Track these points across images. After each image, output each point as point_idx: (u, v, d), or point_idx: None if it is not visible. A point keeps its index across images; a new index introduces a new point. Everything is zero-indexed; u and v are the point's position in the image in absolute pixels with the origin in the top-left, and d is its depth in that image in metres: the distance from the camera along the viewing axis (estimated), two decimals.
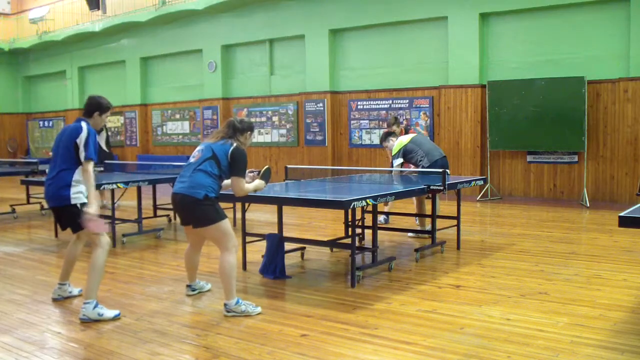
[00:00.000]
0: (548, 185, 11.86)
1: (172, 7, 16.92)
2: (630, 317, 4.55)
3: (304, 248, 6.89)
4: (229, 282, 4.70)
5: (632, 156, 10.85)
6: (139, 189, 8.29)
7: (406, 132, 8.76)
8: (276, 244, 5.93)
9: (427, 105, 13.22)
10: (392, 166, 8.08)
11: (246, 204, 6.27)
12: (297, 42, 15.35)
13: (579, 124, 10.99)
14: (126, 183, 7.66)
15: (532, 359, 3.75)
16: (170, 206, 5.47)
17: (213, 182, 4.70)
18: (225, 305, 4.74)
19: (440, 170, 6.63)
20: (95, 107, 5.01)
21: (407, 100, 13.51)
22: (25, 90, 24.03)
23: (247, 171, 5.15)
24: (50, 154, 5.41)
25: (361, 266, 6.02)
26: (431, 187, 6.37)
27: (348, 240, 6.60)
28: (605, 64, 11.13)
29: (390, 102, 13.77)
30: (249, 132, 4.94)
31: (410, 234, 8.03)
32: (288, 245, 6.39)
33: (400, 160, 7.86)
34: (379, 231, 6.62)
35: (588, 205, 10.82)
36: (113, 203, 8.17)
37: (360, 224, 7.30)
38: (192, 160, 4.83)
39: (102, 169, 10.13)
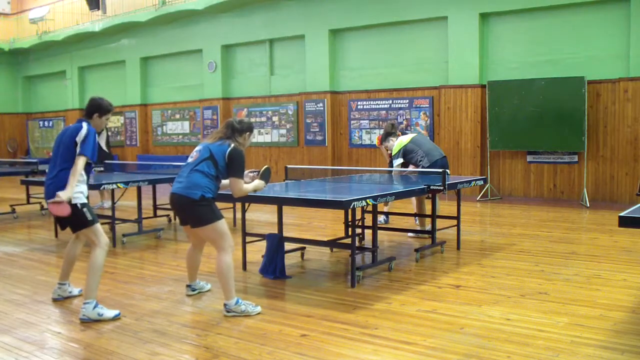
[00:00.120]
0: (548, 185, 11.86)
1: (172, 7, 16.92)
2: (630, 317, 4.55)
3: (304, 248, 6.89)
4: (227, 282, 4.70)
5: (632, 156, 10.85)
6: (139, 189, 8.29)
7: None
8: (276, 244, 5.93)
9: (427, 105, 13.22)
10: (391, 166, 8.08)
11: (246, 204, 6.27)
12: (297, 42, 15.35)
13: (579, 124, 10.99)
14: (126, 183, 7.66)
15: (532, 359, 3.75)
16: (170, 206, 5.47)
17: (210, 182, 4.70)
18: (225, 305, 4.74)
19: (440, 170, 6.63)
20: (94, 108, 5.00)
21: (407, 100, 13.51)
22: (25, 90, 24.03)
23: (247, 171, 5.15)
24: (51, 154, 5.42)
25: (361, 266, 6.02)
26: (431, 187, 6.37)
27: (348, 240, 6.60)
28: (605, 64, 11.13)
29: (390, 102, 13.77)
30: (248, 133, 4.93)
31: (410, 234, 8.03)
32: (288, 245, 6.39)
33: (401, 160, 7.86)
34: (379, 231, 6.62)
35: (588, 205, 10.82)
36: (113, 203, 8.17)
37: (360, 224, 7.30)
38: (190, 160, 4.83)
39: (102, 169, 10.14)
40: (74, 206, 4.75)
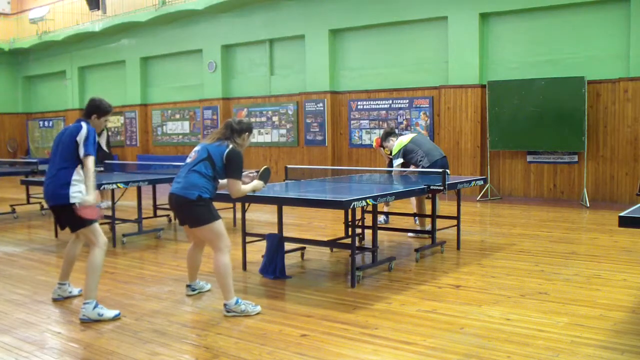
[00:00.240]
0: (548, 185, 11.86)
1: (172, 7, 16.92)
2: (630, 317, 4.55)
3: (304, 248, 6.89)
4: (226, 282, 4.71)
5: (632, 156, 10.85)
6: (139, 189, 8.29)
7: None
8: (276, 244, 5.93)
9: (427, 105, 13.22)
10: (391, 166, 8.08)
11: (246, 204, 6.27)
12: (297, 42, 15.35)
13: (579, 124, 10.99)
14: (126, 183, 7.66)
15: (532, 359, 3.75)
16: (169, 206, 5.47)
17: (207, 182, 4.71)
18: (224, 305, 4.74)
19: (440, 170, 6.63)
20: (93, 109, 5.00)
21: (407, 100, 13.51)
22: (25, 90, 24.03)
23: (246, 172, 5.15)
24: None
25: (361, 266, 6.02)
26: (431, 187, 6.37)
27: (348, 240, 6.60)
28: (605, 64, 11.13)
29: (390, 102, 13.77)
30: (247, 134, 4.92)
31: (410, 234, 8.03)
32: (288, 245, 6.39)
33: (401, 160, 7.86)
34: (379, 231, 6.62)
35: (588, 205, 10.83)
36: (113, 203, 8.17)
37: (360, 224, 7.30)
38: (188, 160, 4.84)
39: (102, 169, 10.13)
40: (72, 205, 4.75)
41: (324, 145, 14.72)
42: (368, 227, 7.03)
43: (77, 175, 4.80)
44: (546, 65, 11.67)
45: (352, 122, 14.42)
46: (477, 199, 11.95)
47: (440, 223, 7.41)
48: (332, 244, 6.75)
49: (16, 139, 23.74)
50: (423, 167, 7.64)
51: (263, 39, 15.89)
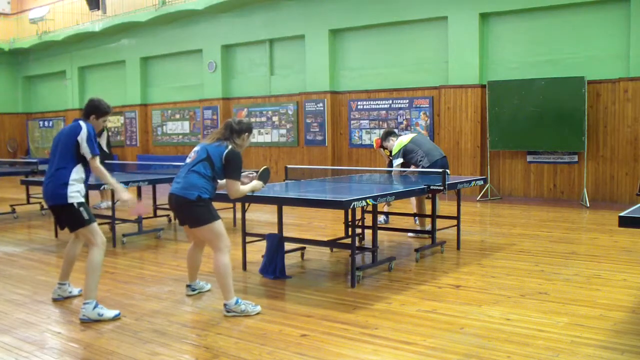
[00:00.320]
0: (548, 185, 11.86)
1: (172, 7, 16.92)
2: (630, 317, 4.55)
3: (304, 248, 6.89)
4: (226, 282, 4.71)
5: (632, 156, 10.85)
6: (139, 189, 8.29)
7: None
8: (276, 244, 5.93)
9: (427, 105, 13.22)
10: (391, 166, 8.08)
11: (246, 204, 6.27)
12: (297, 42, 15.35)
13: (579, 124, 10.99)
14: (126, 183, 7.65)
15: (532, 359, 3.75)
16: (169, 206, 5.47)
17: (206, 183, 4.71)
18: (224, 305, 4.74)
19: (440, 170, 6.63)
20: (92, 109, 5.00)
21: (407, 100, 13.51)
22: (25, 90, 24.03)
23: (246, 172, 5.15)
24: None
25: (361, 266, 6.02)
26: (431, 187, 6.37)
27: (348, 240, 6.60)
28: (605, 64, 11.13)
29: (390, 102, 13.77)
30: (246, 134, 4.92)
31: (410, 234, 8.03)
32: (288, 245, 6.39)
33: (401, 160, 7.86)
34: (379, 231, 6.62)
35: (588, 205, 10.83)
36: (113, 203, 8.17)
37: (360, 224, 7.30)
38: (188, 161, 4.84)
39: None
40: (71, 205, 4.75)
41: (324, 145, 14.72)
42: (368, 227, 7.03)
43: (76, 175, 4.80)
44: (546, 65, 11.67)
45: (352, 122, 14.42)
46: (477, 199, 11.95)
47: (440, 223, 7.41)
48: (332, 244, 6.75)
49: (16, 139, 23.75)
50: (423, 167, 7.64)
51: (263, 39, 15.89)
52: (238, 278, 5.73)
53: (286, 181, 7.33)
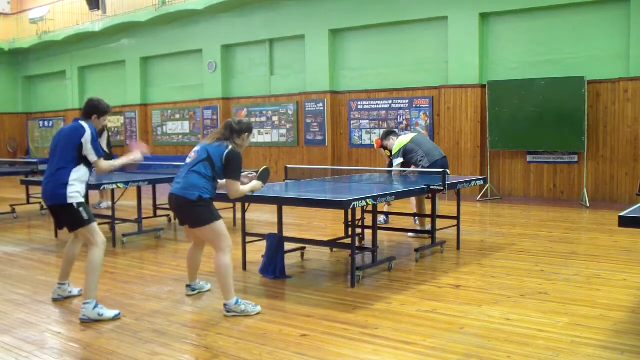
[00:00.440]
0: (548, 185, 11.86)
1: (172, 7, 16.92)
2: (630, 317, 4.55)
3: (304, 248, 6.89)
4: (226, 282, 4.71)
5: (632, 156, 10.85)
6: (139, 189, 8.29)
7: None
8: (276, 244, 5.93)
9: (427, 105, 13.22)
10: (392, 165, 8.08)
11: (246, 204, 6.27)
12: (297, 42, 15.35)
13: (579, 124, 10.99)
14: (126, 183, 7.66)
15: (532, 359, 3.75)
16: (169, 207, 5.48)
17: (207, 183, 4.70)
18: (225, 305, 4.74)
19: (440, 170, 6.63)
20: (93, 109, 5.01)
21: (407, 100, 13.51)
22: (25, 90, 24.03)
23: (246, 172, 5.15)
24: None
25: (361, 266, 6.02)
26: (431, 187, 6.37)
27: (348, 240, 6.60)
28: (605, 64, 11.13)
29: (390, 102, 13.77)
30: (246, 134, 4.92)
31: (410, 234, 8.03)
32: (288, 245, 6.39)
33: (401, 159, 7.86)
34: (379, 231, 6.62)
35: (588, 205, 10.83)
36: (113, 203, 8.17)
37: (360, 224, 7.30)
38: (188, 161, 4.84)
39: None
40: (70, 206, 4.75)
41: (324, 145, 14.72)
42: (368, 227, 7.03)
43: (76, 175, 4.80)
44: (546, 65, 11.67)
45: (352, 122, 14.42)
46: (477, 199, 11.95)
47: (440, 223, 7.41)
48: (332, 244, 6.75)
49: (16, 139, 23.74)
50: (423, 167, 7.64)
51: (263, 39, 15.89)
52: (238, 278, 5.73)
53: (286, 181, 7.33)
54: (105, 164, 4.90)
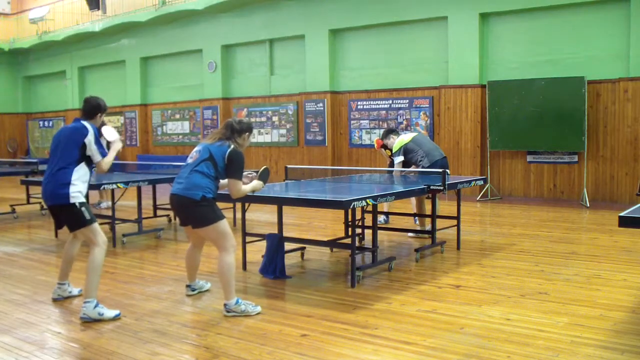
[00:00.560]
0: (548, 185, 11.86)
1: (172, 7, 16.92)
2: (630, 317, 4.55)
3: (304, 248, 6.89)
4: (228, 282, 4.70)
5: (632, 156, 10.85)
6: (139, 189, 8.29)
7: None
8: (276, 244, 5.93)
9: (427, 105, 13.22)
10: (393, 163, 8.08)
11: (246, 204, 6.27)
12: (297, 42, 15.35)
13: (579, 124, 10.99)
14: (126, 183, 7.66)
15: (532, 359, 3.75)
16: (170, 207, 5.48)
17: (210, 182, 4.70)
18: (225, 305, 4.74)
19: (440, 170, 6.63)
20: (97, 108, 5.07)
21: (407, 100, 13.51)
22: (25, 90, 24.03)
23: (246, 172, 5.15)
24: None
25: (361, 266, 6.02)
26: (431, 187, 6.37)
27: (348, 240, 6.60)
28: (605, 64, 11.13)
29: (390, 102, 13.78)
30: (247, 133, 4.93)
31: (410, 234, 8.03)
32: (288, 245, 6.39)
33: (401, 158, 7.85)
34: (379, 231, 6.62)
35: (588, 205, 10.83)
36: (113, 203, 8.17)
37: (360, 224, 7.30)
38: (189, 161, 4.83)
39: None
40: (72, 205, 4.75)
41: (324, 145, 14.72)
42: (368, 227, 7.03)
43: (77, 174, 4.80)
44: (546, 65, 11.67)
45: (352, 122, 14.42)
46: (477, 199, 11.95)
47: (440, 223, 7.41)
48: (332, 244, 6.75)
49: (16, 139, 23.75)
50: (423, 167, 7.64)
51: (263, 39, 15.89)
52: (238, 278, 5.72)
53: (286, 181, 7.33)
54: (106, 163, 4.91)
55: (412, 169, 7.85)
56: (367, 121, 14.18)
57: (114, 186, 7.60)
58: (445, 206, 9.41)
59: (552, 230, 8.49)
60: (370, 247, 6.27)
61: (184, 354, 4.00)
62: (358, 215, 7.23)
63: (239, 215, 8.71)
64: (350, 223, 6.36)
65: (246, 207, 6.36)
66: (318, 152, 14.84)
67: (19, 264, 6.83)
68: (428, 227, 7.76)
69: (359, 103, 14.27)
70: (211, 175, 4.71)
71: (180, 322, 4.62)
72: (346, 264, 6.43)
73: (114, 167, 10.81)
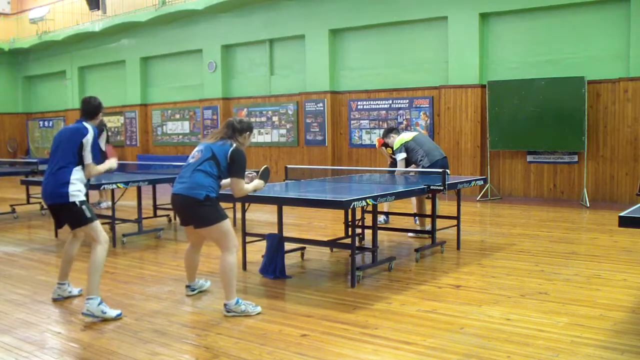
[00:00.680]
0: (548, 185, 11.86)
1: (172, 7, 16.92)
2: (630, 317, 4.55)
3: (304, 248, 6.89)
4: (229, 282, 4.70)
5: (632, 156, 10.85)
6: (139, 189, 8.29)
7: None
8: (276, 244, 5.93)
9: (427, 105, 13.22)
10: (394, 163, 8.08)
11: (246, 204, 6.27)
12: (297, 42, 15.35)
13: (579, 124, 10.99)
14: (126, 183, 7.66)
15: (532, 359, 3.75)
16: (170, 206, 5.47)
17: (213, 182, 4.70)
18: (225, 305, 4.74)
19: (440, 170, 6.63)
20: (99, 108, 5.11)
21: (407, 100, 13.51)
22: (25, 90, 24.03)
23: (246, 172, 5.15)
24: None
25: (361, 266, 6.02)
26: (431, 187, 6.37)
27: (348, 240, 6.60)
28: (605, 64, 11.13)
29: (390, 102, 13.77)
30: (248, 133, 4.94)
31: (410, 234, 8.03)
32: (288, 245, 6.39)
33: (404, 154, 7.85)
34: (379, 231, 6.62)
35: (588, 205, 10.83)
36: (113, 203, 8.17)
37: (360, 224, 7.30)
38: (191, 160, 4.82)
39: None
40: (72, 204, 4.75)
41: (324, 145, 14.72)
42: (368, 227, 7.03)
43: (77, 174, 4.81)
44: (546, 65, 11.67)
45: (352, 122, 14.42)
46: (477, 199, 11.95)
47: (440, 223, 7.41)
48: (332, 244, 6.75)
49: (16, 139, 23.74)
50: (423, 167, 7.65)
51: (263, 39, 15.89)
52: (238, 278, 5.71)
53: (286, 181, 7.33)
54: (95, 169, 4.91)
55: (412, 168, 7.86)
56: (367, 121, 14.18)
57: (114, 186, 7.60)
58: (445, 206, 9.41)
59: (552, 230, 8.49)
60: (370, 247, 6.27)
61: (184, 354, 4.00)
62: (358, 215, 7.23)
63: (239, 215, 8.71)
64: (350, 223, 6.36)
65: (246, 207, 6.36)
66: (318, 152, 14.84)
67: (19, 264, 6.83)
68: (428, 227, 7.76)
69: (359, 103, 14.27)
70: (214, 175, 4.70)
71: (180, 322, 4.62)
72: (346, 264, 6.43)
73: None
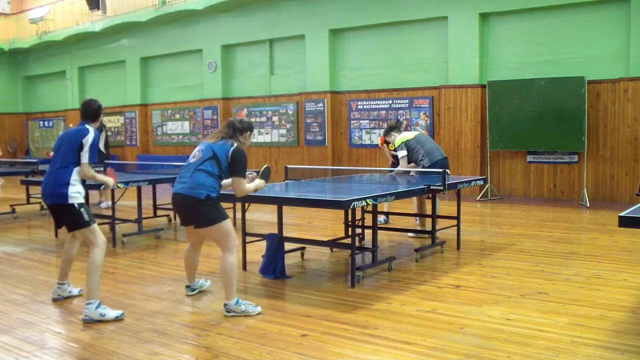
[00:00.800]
0: (548, 185, 11.86)
1: (172, 7, 16.92)
2: (630, 317, 4.55)
3: (304, 248, 6.89)
4: (230, 282, 4.70)
5: (632, 156, 10.85)
6: (139, 189, 8.29)
7: None
8: (276, 244, 5.94)
9: (427, 105, 13.22)
10: (395, 166, 8.08)
11: (246, 204, 6.27)
12: (297, 42, 15.35)
13: (579, 124, 10.99)
14: (126, 183, 7.66)
15: (532, 359, 3.75)
16: (170, 206, 5.48)
17: (214, 181, 4.70)
18: (225, 305, 4.74)
19: (441, 170, 6.63)
20: (98, 110, 5.11)
21: (407, 100, 13.51)
22: (25, 90, 24.03)
23: (247, 172, 5.15)
24: (51, 154, 5.45)
25: (361, 266, 6.02)
26: (431, 187, 6.37)
27: (348, 240, 6.60)
28: (605, 64, 11.13)
29: (390, 102, 13.77)
30: (248, 132, 4.94)
31: (410, 234, 8.03)
32: (288, 245, 6.39)
33: (405, 152, 7.84)
34: (379, 231, 6.62)
35: (588, 205, 10.82)
36: (113, 203, 8.17)
37: (360, 224, 7.30)
38: (192, 160, 4.82)
39: (102, 168, 10.13)
40: (71, 206, 4.75)
41: (324, 145, 14.72)
42: (368, 227, 7.03)
43: (77, 175, 4.82)
44: (546, 65, 11.67)
45: (352, 122, 14.42)
46: (477, 199, 11.95)
47: (440, 223, 7.41)
48: (332, 244, 6.75)
49: (16, 139, 23.74)
50: (423, 167, 7.65)
51: (263, 39, 15.89)
52: (238, 278, 5.70)
53: (286, 181, 7.33)
54: (90, 171, 4.89)
55: (412, 167, 7.86)
56: (367, 121, 14.18)
57: (114, 186, 7.58)
58: (445, 206, 9.41)
59: (552, 230, 8.49)
60: (370, 247, 6.27)
61: (184, 354, 4.00)
62: (358, 215, 7.23)
63: (239, 215, 8.71)
64: (350, 223, 6.36)
65: (246, 207, 6.36)
66: (318, 152, 14.84)
67: (19, 264, 6.83)
68: (428, 227, 7.76)
69: (359, 103, 14.27)
70: (215, 174, 4.70)
71: (180, 322, 4.62)
72: (346, 264, 6.43)
73: (115, 167, 10.82)
